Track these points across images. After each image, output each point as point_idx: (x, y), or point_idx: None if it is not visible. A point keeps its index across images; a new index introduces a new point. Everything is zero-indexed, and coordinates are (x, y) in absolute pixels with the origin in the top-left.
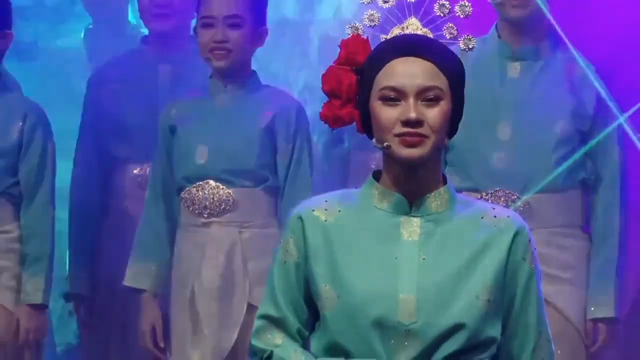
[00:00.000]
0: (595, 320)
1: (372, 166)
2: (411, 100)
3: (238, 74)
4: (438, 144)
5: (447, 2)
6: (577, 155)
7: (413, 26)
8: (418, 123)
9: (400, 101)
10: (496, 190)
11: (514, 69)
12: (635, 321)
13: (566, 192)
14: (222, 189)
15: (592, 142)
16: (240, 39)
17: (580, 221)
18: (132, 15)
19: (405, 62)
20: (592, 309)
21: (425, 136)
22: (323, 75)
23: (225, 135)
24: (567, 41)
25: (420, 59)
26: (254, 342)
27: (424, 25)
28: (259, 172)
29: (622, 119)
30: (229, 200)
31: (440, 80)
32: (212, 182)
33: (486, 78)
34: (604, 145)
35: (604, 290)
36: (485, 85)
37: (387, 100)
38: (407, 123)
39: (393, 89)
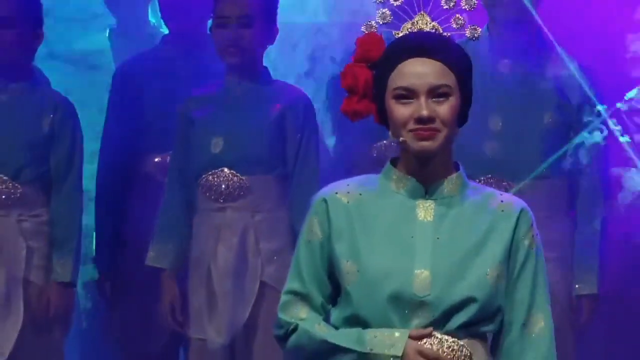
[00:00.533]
0: (580, 297)
1: (374, 155)
2: (422, 98)
3: (250, 70)
4: (449, 135)
5: None
6: (568, 147)
7: (423, 20)
8: (430, 120)
9: (412, 99)
10: (487, 177)
11: (505, 65)
12: (619, 297)
13: (553, 178)
14: (236, 176)
15: (582, 134)
16: (252, 37)
17: (566, 205)
18: (152, 16)
19: (416, 62)
20: (577, 286)
21: (437, 130)
22: (341, 73)
23: (239, 127)
24: (552, 38)
25: (429, 59)
26: (281, 315)
27: (433, 19)
28: (269, 160)
29: (602, 110)
30: (242, 186)
31: (448, 78)
32: (226, 170)
33: (478, 73)
34: (588, 136)
35: (587, 269)
36: (477, 79)
37: (400, 98)
38: (419, 120)
39: (405, 88)
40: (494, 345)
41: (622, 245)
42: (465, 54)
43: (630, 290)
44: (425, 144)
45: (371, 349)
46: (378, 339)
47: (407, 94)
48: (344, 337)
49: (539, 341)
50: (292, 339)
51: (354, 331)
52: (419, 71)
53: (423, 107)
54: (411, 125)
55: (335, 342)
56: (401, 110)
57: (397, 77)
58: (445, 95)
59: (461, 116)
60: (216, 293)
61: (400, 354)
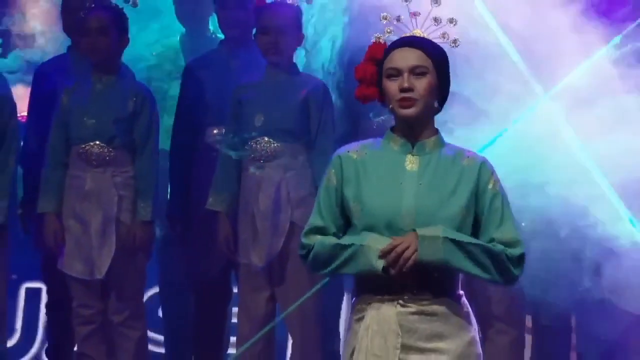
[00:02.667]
0: None
1: (374, 127)
2: (405, 75)
3: (284, 65)
4: (426, 105)
5: None
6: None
7: (418, 34)
8: (409, 90)
9: (398, 77)
10: None
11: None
12: None
13: None
14: (273, 143)
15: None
16: (286, 42)
17: None
18: (212, 25)
19: (402, 50)
20: None
21: (415, 99)
22: (355, 68)
23: (275, 107)
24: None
25: (411, 48)
26: (304, 239)
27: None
28: (297, 132)
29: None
30: (277, 151)
31: (426, 62)
32: (266, 138)
33: None
34: None
35: None
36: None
37: (390, 77)
38: (402, 90)
39: (393, 68)
40: None
41: None
42: (441, 49)
43: None
44: (407, 110)
45: (367, 243)
46: (373, 238)
47: (395, 73)
48: (349, 238)
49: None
50: (311, 254)
51: (358, 236)
52: (403, 55)
53: (405, 80)
54: (397, 96)
55: (341, 242)
56: (391, 85)
57: (389, 61)
58: (423, 74)
59: (440, 97)
60: (258, 229)
61: (376, 251)
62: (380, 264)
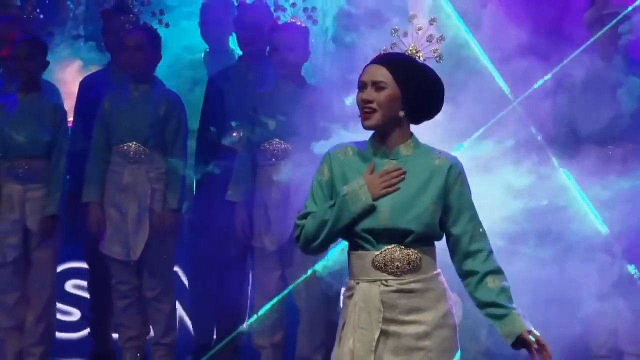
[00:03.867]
0: None
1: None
2: (368, 88)
3: (293, 77)
4: (386, 115)
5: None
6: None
7: (413, 49)
8: (368, 102)
9: (364, 89)
10: None
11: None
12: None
13: None
14: (282, 144)
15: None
16: (295, 59)
17: None
18: (232, 43)
19: (370, 67)
20: None
21: (374, 110)
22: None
23: (285, 112)
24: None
25: (377, 65)
26: (297, 221)
27: (420, 49)
28: (304, 133)
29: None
30: (286, 150)
31: (385, 77)
32: (277, 139)
33: None
34: None
35: None
36: None
37: (360, 89)
38: (363, 101)
39: (361, 82)
40: (452, 249)
41: None
42: (408, 66)
43: None
44: (366, 122)
45: (346, 191)
46: (349, 185)
47: (361, 85)
48: (331, 203)
49: (483, 238)
50: (303, 231)
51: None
52: (369, 71)
53: (365, 93)
54: (361, 107)
55: (325, 206)
56: (358, 96)
57: (360, 75)
58: (383, 88)
59: (410, 107)
60: (270, 218)
61: (363, 182)
62: (368, 196)
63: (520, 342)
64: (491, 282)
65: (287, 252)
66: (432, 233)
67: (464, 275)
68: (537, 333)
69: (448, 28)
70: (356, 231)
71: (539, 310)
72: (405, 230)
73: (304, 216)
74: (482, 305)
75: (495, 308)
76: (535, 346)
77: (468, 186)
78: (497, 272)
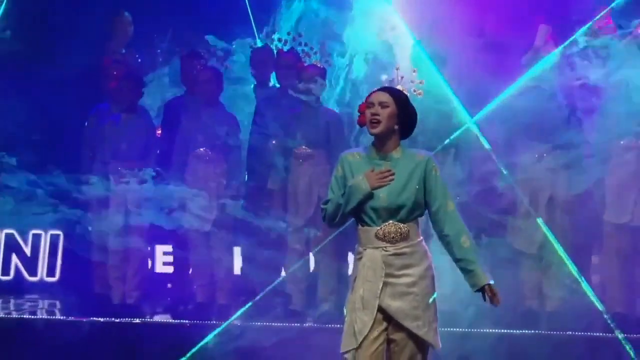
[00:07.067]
0: None
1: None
2: (375, 106)
3: (313, 103)
4: (387, 126)
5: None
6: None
7: (400, 87)
8: (376, 114)
9: (371, 107)
10: None
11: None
12: None
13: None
14: (307, 150)
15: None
16: (315, 89)
17: None
18: (273, 79)
19: (377, 92)
20: None
21: (379, 121)
22: (358, 110)
23: (304, 126)
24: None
25: (381, 91)
26: (322, 206)
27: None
28: (321, 143)
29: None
30: (309, 155)
31: (389, 99)
32: (303, 146)
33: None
34: None
35: None
36: None
37: (368, 107)
38: (372, 114)
39: (369, 101)
40: (433, 220)
41: None
42: (403, 94)
43: None
44: (373, 130)
45: (352, 183)
46: (354, 180)
47: (370, 105)
48: (343, 192)
49: (453, 215)
50: (327, 212)
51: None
52: (376, 95)
53: (373, 109)
54: (369, 119)
55: (340, 194)
56: (368, 112)
57: (368, 98)
58: (386, 106)
59: (402, 123)
60: (299, 201)
61: (364, 177)
62: (367, 186)
63: (480, 290)
64: (464, 241)
65: (312, 227)
66: (418, 208)
67: (443, 237)
68: (492, 283)
69: (425, 74)
70: (364, 210)
71: None
72: (399, 206)
73: (326, 202)
74: (456, 259)
75: (465, 262)
76: (489, 294)
77: (439, 172)
78: (467, 232)
